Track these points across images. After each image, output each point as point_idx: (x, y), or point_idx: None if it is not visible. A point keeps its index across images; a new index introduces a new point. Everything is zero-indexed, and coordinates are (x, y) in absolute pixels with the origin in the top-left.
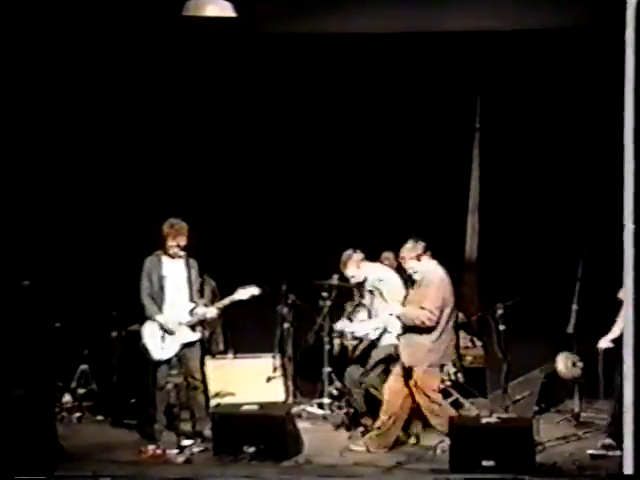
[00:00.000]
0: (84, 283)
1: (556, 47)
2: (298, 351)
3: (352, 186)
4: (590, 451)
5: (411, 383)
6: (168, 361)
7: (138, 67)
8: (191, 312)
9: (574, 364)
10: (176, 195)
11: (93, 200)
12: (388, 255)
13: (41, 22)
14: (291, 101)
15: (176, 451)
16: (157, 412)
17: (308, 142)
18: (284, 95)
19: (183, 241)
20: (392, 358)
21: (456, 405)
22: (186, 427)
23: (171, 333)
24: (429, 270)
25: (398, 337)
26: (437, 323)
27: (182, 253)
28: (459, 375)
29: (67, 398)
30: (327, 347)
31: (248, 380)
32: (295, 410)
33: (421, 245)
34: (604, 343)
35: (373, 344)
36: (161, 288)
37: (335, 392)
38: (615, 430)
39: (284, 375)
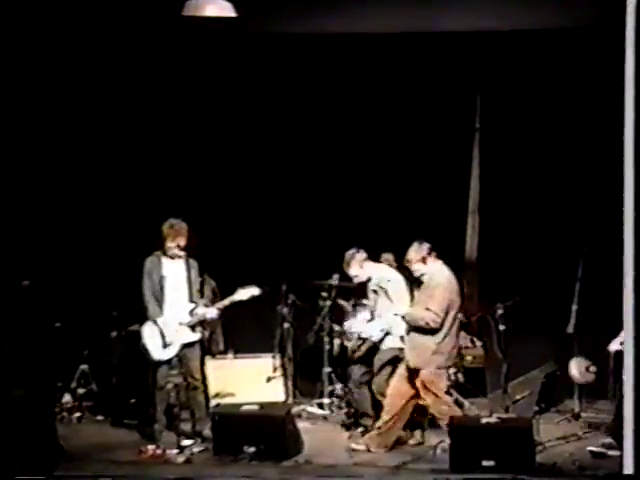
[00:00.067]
0: (84, 283)
1: (556, 47)
2: (298, 351)
3: (352, 186)
4: (590, 448)
5: (418, 384)
6: (168, 361)
7: (138, 67)
8: (191, 312)
9: (588, 369)
10: (176, 195)
11: (93, 200)
12: (387, 256)
13: (41, 22)
14: (291, 101)
15: (176, 451)
16: (157, 412)
17: (308, 142)
18: (284, 95)
19: (183, 242)
20: (396, 360)
21: (456, 405)
22: (186, 427)
23: (167, 345)
24: (436, 272)
25: (403, 338)
26: (442, 325)
27: (182, 253)
28: (459, 375)
29: (67, 398)
30: (327, 347)
31: (248, 380)
32: (295, 410)
33: (426, 247)
34: (615, 346)
35: (375, 345)
36: (161, 288)
37: (340, 391)
38: (616, 430)
39: (284, 375)
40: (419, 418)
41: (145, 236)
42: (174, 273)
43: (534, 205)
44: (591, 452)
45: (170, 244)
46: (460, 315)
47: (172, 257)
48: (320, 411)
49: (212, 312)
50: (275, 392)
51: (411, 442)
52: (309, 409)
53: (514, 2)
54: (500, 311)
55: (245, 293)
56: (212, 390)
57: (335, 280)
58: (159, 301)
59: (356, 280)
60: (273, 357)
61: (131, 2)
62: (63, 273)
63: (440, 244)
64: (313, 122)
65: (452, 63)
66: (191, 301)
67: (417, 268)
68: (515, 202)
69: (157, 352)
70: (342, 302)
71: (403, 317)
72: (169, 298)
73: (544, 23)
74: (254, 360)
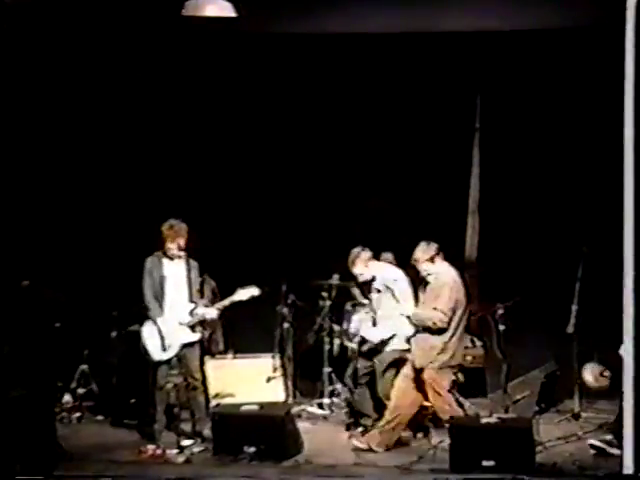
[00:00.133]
0: (84, 283)
1: (556, 47)
2: (298, 351)
3: (352, 186)
4: (591, 441)
5: (423, 383)
6: (168, 361)
7: (138, 67)
8: (191, 312)
9: (602, 374)
10: (176, 196)
11: (93, 200)
12: (387, 255)
13: (41, 22)
14: (291, 101)
15: (176, 451)
16: (157, 412)
17: (308, 142)
18: (284, 95)
19: (182, 242)
20: (400, 361)
21: (457, 405)
22: (186, 427)
23: (167, 348)
24: (442, 271)
25: (409, 339)
26: (449, 324)
27: (182, 254)
28: (459, 375)
29: (67, 398)
30: (327, 347)
31: (248, 380)
32: (295, 410)
33: (434, 247)
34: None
35: (375, 347)
36: (161, 288)
37: (340, 391)
38: (617, 429)
39: (284, 375)
40: (422, 419)
41: (145, 236)
42: (174, 273)
43: (534, 205)
44: (591, 446)
45: (170, 244)
46: (466, 315)
47: (172, 257)
48: (320, 411)
49: (212, 312)
50: (275, 392)
51: (413, 443)
52: (309, 409)
53: (514, 2)
54: (500, 311)
55: (245, 293)
56: (212, 390)
57: (335, 280)
58: (159, 301)
59: (361, 279)
60: (273, 357)
61: (131, 2)
62: (63, 273)
63: (440, 244)
64: (313, 122)
65: (452, 63)
66: (191, 301)
67: (425, 268)
68: (515, 202)
69: (157, 352)
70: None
71: (409, 317)
72: (169, 298)
73: (544, 23)
74: (254, 360)
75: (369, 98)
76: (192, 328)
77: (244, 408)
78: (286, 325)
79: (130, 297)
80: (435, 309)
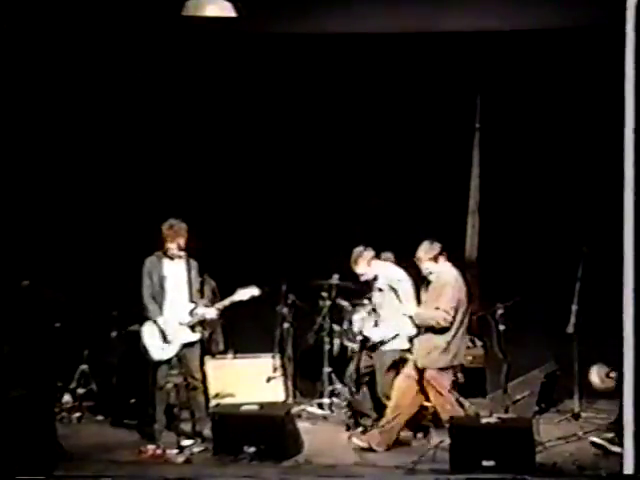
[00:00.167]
0: (84, 283)
1: (556, 47)
2: (298, 351)
3: (352, 186)
4: (592, 438)
5: (425, 383)
6: (168, 361)
7: (138, 67)
8: (191, 312)
9: (608, 375)
10: (176, 196)
11: (93, 200)
12: (388, 255)
13: (41, 22)
14: (291, 101)
15: (176, 451)
16: (157, 412)
17: (308, 142)
18: (284, 95)
19: (182, 242)
20: (400, 361)
21: (458, 405)
22: (186, 427)
23: (167, 345)
24: (444, 271)
25: (411, 339)
26: (451, 323)
27: (182, 254)
28: (459, 375)
29: (67, 398)
30: (327, 347)
31: (248, 380)
32: (295, 410)
33: (437, 246)
34: None
35: (375, 346)
36: (161, 288)
37: (342, 391)
38: (618, 429)
39: (284, 375)
40: (422, 419)
41: (145, 236)
42: (174, 273)
43: (534, 205)
44: (592, 443)
45: (170, 244)
46: (467, 315)
47: (172, 257)
48: (320, 411)
49: (212, 312)
50: (275, 392)
51: (413, 443)
52: (309, 409)
53: (514, 2)
54: (500, 311)
55: (245, 293)
56: (212, 390)
57: (335, 280)
58: (159, 301)
59: (363, 278)
60: (273, 357)
61: (131, 2)
62: (63, 273)
63: (440, 244)
64: (313, 122)
65: (452, 63)
66: (191, 301)
67: (427, 267)
68: (515, 202)
69: (157, 352)
70: (342, 302)
71: (411, 317)
72: (169, 298)
73: (544, 23)
74: (254, 360)
75: (369, 98)
76: (192, 328)
77: (244, 408)
78: (286, 325)
79: (130, 297)
80: (437, 308)
